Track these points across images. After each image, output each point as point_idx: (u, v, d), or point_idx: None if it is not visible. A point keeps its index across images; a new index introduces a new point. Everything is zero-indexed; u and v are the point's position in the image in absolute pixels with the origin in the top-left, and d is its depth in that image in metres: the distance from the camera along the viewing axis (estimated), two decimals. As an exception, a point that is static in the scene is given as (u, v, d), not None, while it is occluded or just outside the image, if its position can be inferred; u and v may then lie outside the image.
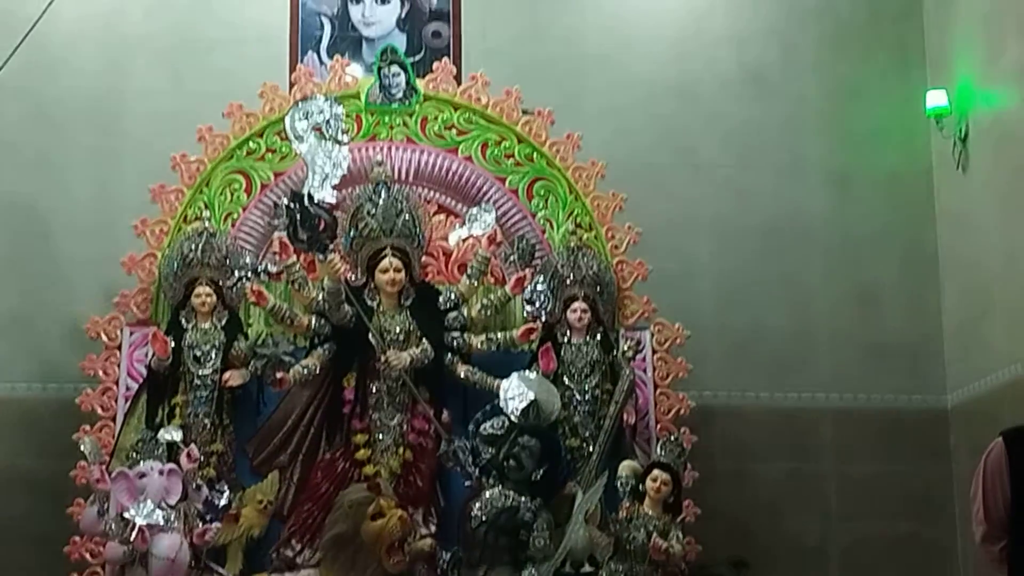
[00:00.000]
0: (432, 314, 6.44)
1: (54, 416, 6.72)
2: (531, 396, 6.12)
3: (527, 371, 6.30)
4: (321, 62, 7.44)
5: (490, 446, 6.09)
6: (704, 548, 6.39)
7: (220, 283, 6.37)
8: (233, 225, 6.62)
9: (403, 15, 7.68)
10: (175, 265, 6.37)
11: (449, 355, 6.42)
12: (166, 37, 7.49)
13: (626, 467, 6.17)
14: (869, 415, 7.49)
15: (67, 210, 7.21)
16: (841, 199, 7.76)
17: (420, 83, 6.87)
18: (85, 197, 7.23)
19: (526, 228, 6.74)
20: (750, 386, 7.44)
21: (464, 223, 6.60)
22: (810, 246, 7.68)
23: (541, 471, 6.08)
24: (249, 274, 6.38)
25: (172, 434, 6.00)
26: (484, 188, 6.76)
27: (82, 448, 6.04)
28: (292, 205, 6.18)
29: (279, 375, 6.20)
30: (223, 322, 6.37)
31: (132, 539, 5.68)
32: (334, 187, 6.23)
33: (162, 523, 5.73)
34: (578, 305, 6.47)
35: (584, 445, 6.29)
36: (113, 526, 5.76)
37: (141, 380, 6.34)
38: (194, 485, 5.95)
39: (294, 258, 6.33)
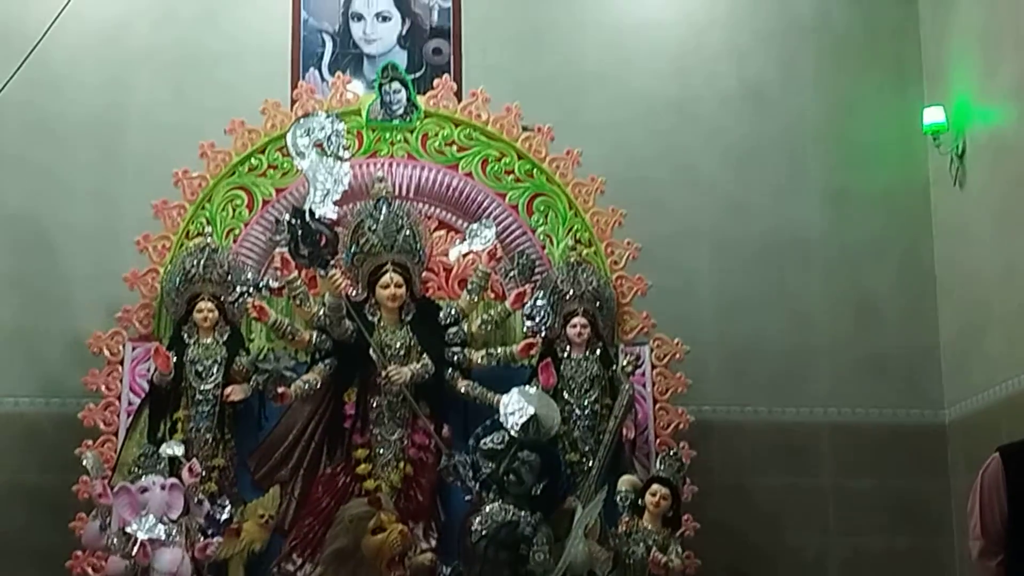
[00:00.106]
0: (433, 329, 6.47)
1: (56, 431, 6.75)
2: (531, 411, 6.13)
3: (527, 386, 6.31)
4: (323, 79, 7.48)
5: (490, 461, 6.10)
6: (703, 562, 6.39)
7: (222, 298, 6.39)
8: (235, 241, 6.65)
9: (404, 32, 7.72)
10: (177, 280, 6.40)
11: (449, 370, 6.44)
12: (169, 53, 7.53)
13: (625, 481, 6.20)
14: (867, 429, 7.51)
15: (70, 225, 7.24)
16: (839, 215, 7.79)
17: (421, 100, 6.90)
18: (88, 212, 7.27)
19: (526, 244, 6.76)
20: (749, 401, 7.47)
21: (464, 239, 6.63)
22: (808, 261, 7.71)
23: (541, 486, 6.09)
24: (251, 289, 6.41)
25: (174, 449, 6.02)
26: (484, 204, 6.79)
27: (84, 463, 6.05)
28: (294, 221, 6.22)
29: (280, 390, 6.22)
30: (225, 337, 6.39)
31: (134, 554, 5.69)
32: (335, 203, 6.28)
33: (164, 538, 5.75)
34: (578, 320, 6.49)
35: (584, 460, 6.31)
36: (115, 540, 5.77)
37: (143, 395, 6.36)
38: (196, 499, 5.95)
39: (295, 273, 6.36)
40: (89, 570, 6.14)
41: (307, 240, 6.20)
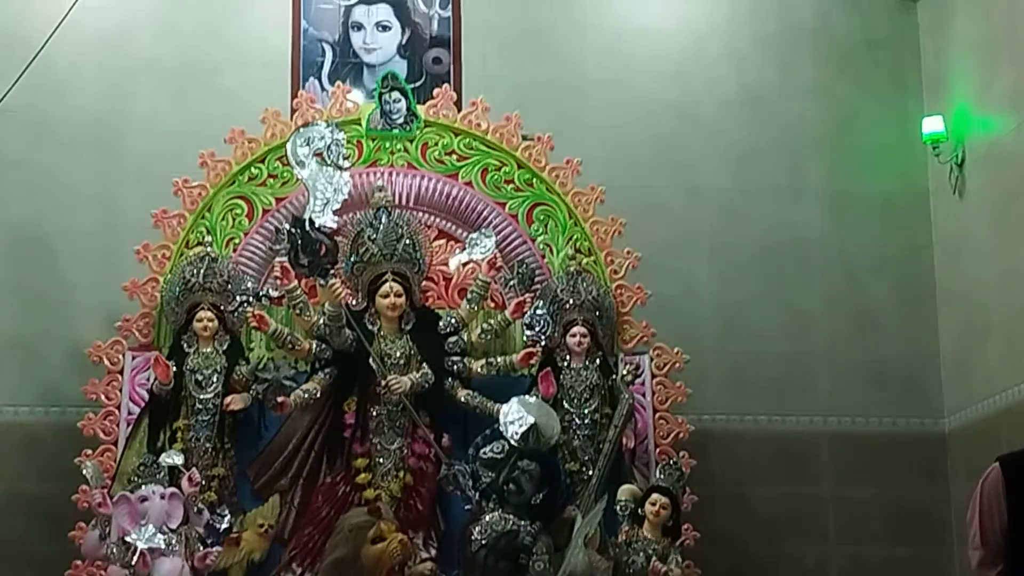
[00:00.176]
0: (432, 339, 6.48)
1: (56, 440, 6.75)
2: (531, 420, 6.14)
3: (527, 395, 6.33)
4: (323, 88, 7.49)
5: (490, 470, 6.12)
6: (703, 572, 6.38)
7: (222, 308, 6.39)
8: (235, 250, 6.65)
9: (404, 42, 7.73)
10: (177, 290, 6.40)
11: (449, 379, 6.45)
12: (169, 62, 7.53)
13: (625, 491, 6.20)
14: (867, 439, 7.53)
15: (70, 234, 7.24)
16: (839, 223, 7.81)
17: (421, 109, 6.91)
18: (88, 221, 7.27)
19: (526, 253, 6.77)
20: (749, 410, 7.48)
21: (464, 248, 6.64)
22: (808, 270, 7.73)
23: (541, 495, 6.10)
24: (250, 299, 6.42)
25: (174, 458, 6.02)
26: (484, 213, 6.80)
27: (84, 472, 6.06)
28: (293, 230, 6.22)
29: (280, 399, 6.23)
30: (225, 347, 6.39)
31: (133, 563, 5.68)
32: (335, 212, 6.28)
33: (163, 547, 5.75)
34: (577, 330, 6.50)
35: (583, 469, 6.31)
36: (115, 550, 5.78)
37: (143, 404, 6.36)
38: (195, 509, 5.96)
39: (295, 283, 6.37)
40: (89, 579, 6.15)
41: (307, 249, 6.20)
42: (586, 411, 6.42)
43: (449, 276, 6.73)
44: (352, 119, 6.85)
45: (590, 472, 6.27)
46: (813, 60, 8.02)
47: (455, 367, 6.46)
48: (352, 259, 6.46)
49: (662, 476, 6.20)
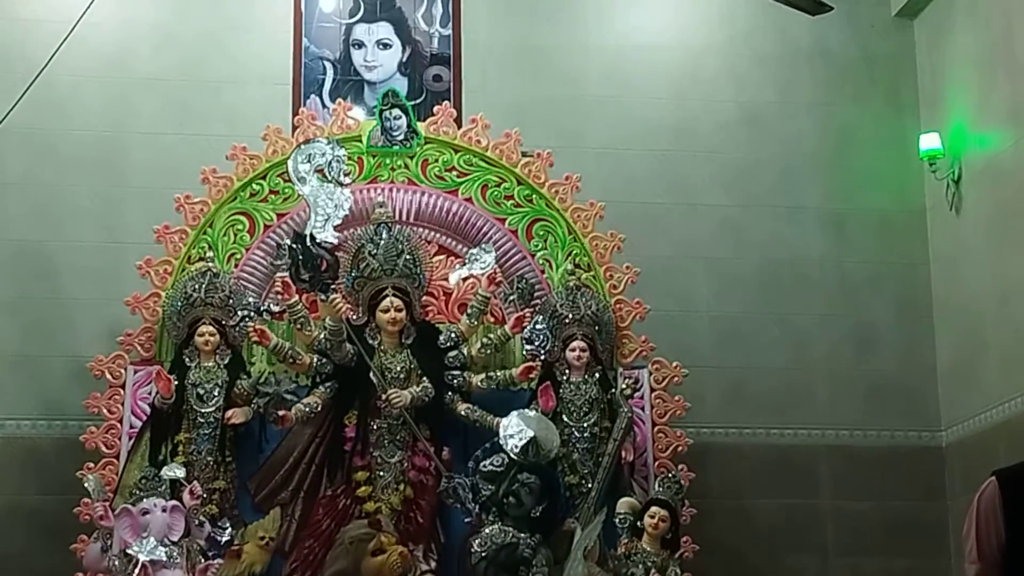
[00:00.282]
0: (432, 353, 6.50)
1: (58, 453, 6.79)
2: (530, 434, 6.17)
3: (526, 409, 6.35)
4: (324, 105, 7.53)
5: (490, 483, 6.14)
6: (702, 584, 6.44)
7: (223, 322, 6.42)
8: (236, 265, 6.67)
9: (404, 59, 7.78)
10: (179, 304, 6.43)
11: (449, 393, 6.47)
12: (171, 79, 7.57)
13: (624, 504, 6.23)
14: (865, 452, 7.56)
15: (72, 249, 7.28)
16: (837, 239, 7.86)
17: (421, 126, 6.95)
18: (90, 237, 7.31)
19: (526, 268, 6.80)
20: (747, 423, 7.51)
21: (464, 263, 6.67)
22: (806, 285, 7.77)
23: (540, 508, 6.12)
24: (252, 313, 6.44)
25: (175, 471, 6.04)
26: (484, 229, 6.83)
27: (86, 485, 6.08)
28: (294, 246, 6.26)
29: (281, 413, 6.25)
30: (226, 361, 6.42)
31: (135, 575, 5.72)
32: (336, 228, 6.32)
33: (165, 559, 5.76)
34: (577, 344, 6.53)
35: (583, 482, 6.34)
36: (116, 563, 5.79)
37: (145, 418, 6.38)
38: (197, 522, 5.98)
39: (296, 298, 6.40)
40: (90, 592, 6.16)
41: (308, 265, 6.24)
42: (585, 425, 6.45)
43: (449, 291, 6.76)
44: (353, 136, 6.88)
45: (589, 485, 6.29)
46: (810, 78, 8.07)
47: (455, 381, 6.49)
48: (353, 274, 6.50)
49: (661, 489, 6.23)
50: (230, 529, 6.14)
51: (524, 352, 6.56)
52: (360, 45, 7.79)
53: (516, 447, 6.15)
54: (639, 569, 6.01)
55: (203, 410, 6.30)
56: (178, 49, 7.65)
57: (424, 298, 6.64)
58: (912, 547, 7.39)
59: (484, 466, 6.18)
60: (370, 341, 6.45)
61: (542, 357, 6.51)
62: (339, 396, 6.43)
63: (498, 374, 6.53)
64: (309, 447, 6.41)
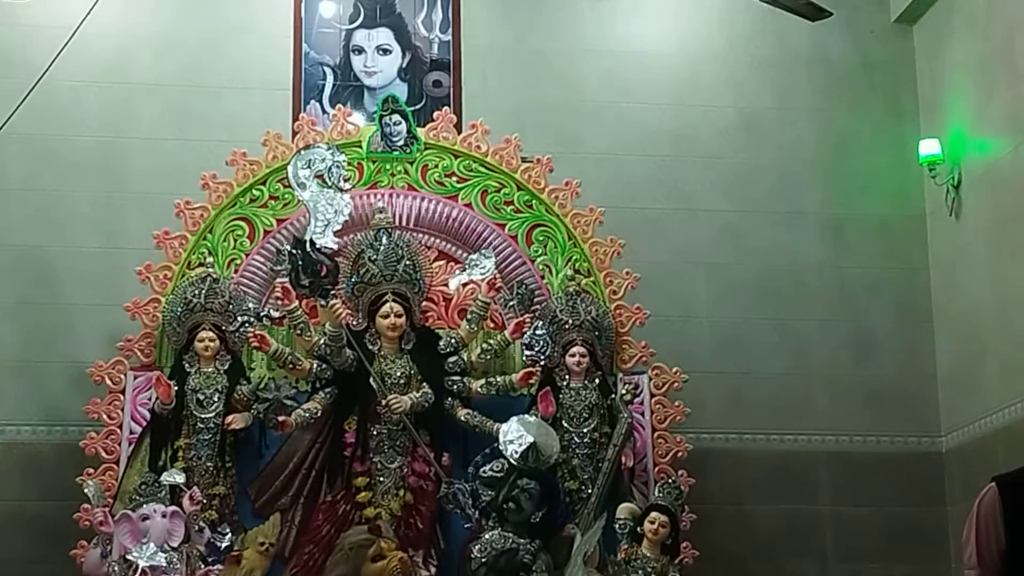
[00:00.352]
0: (432, 358, 6.51)
1: (58, 459, 6.80)
2: (530, 439, 6.17)
3: (526, 415, 6.35)
4: (324, 111, 7.54)
5: (490, 489, 6.14)
6: (702, 590, 6.44)
7: (223, 328, 6.43)
8: (236, 271, 6.68)
9: (404, 65, 7.79)
10: (179, 310, 6.44)
11: (449, 399, 6.47)
12: (171, 85, 7.58)
13: (624, 509, 6.22)
14: (865, 457, 7.56)
15: (72, 255, 7.29)
16: (836, 244, 7.86)
17: (421, 131, 6.94)
18: (90, 242, 7.32)
19: (525, 274, 6.80)
20: (747, 429, 7.51)
21: (464, 269, 6.68)
22: (806, 290, 7.77)
23: (540, 513, 6.12)
24: (252, 319, 6.45)
25: (175, 477, 6.05)
26: (484, 234, 6.84)
27: (86, 491, 6.08)
28: (294, 251, 6.27)
29: (281, 419, 6.25)
30: (226, 366, 6.42)
31: (135, 582, 5.73)
32: (336, 233, 6.33)
33: (164, 565, 5.78)
34: (577, 350, 6.53)
35: (583, 488, 6.34)
36: (116, 568, 5.81)
37: (144, 423, 6.38)
38: (196, 527, 5.98)
39: (296, 303, 6.40)
40: (90, 597, 6.16)
41: (308, 270, 6.24)
42: (585, 430, 6.45)
43: (449, 296, 6.76)
44: (353, 141, 6.89)
45: (589, 491, 6.29)
46: (809, 84, 8.08)
47: (455, 387, 6.49)
48: (353, 280, 6.50)
49: (661, 494, 6.22)
50: (230, 535, 6.15)
51: (524, 358, 6.57)
52: (360, 51, 7.80)
53: (516, 452, 6.15)
54: (639, 575, 6.01)
55: (203, 415, 6.30)
56: (178, 55, 7.65)
57: (424, 304, 6.65)
58: (912, 553, 7.38)
59: (484, 471, 6.18)
60: (370, 347, 6.45)
61: (542, 363, 6.51)
62: (339, 402, 6.43)
63: (498, 380, 6.53)
64: (309, 453, 6.41)
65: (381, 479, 6.30)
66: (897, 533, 7.42)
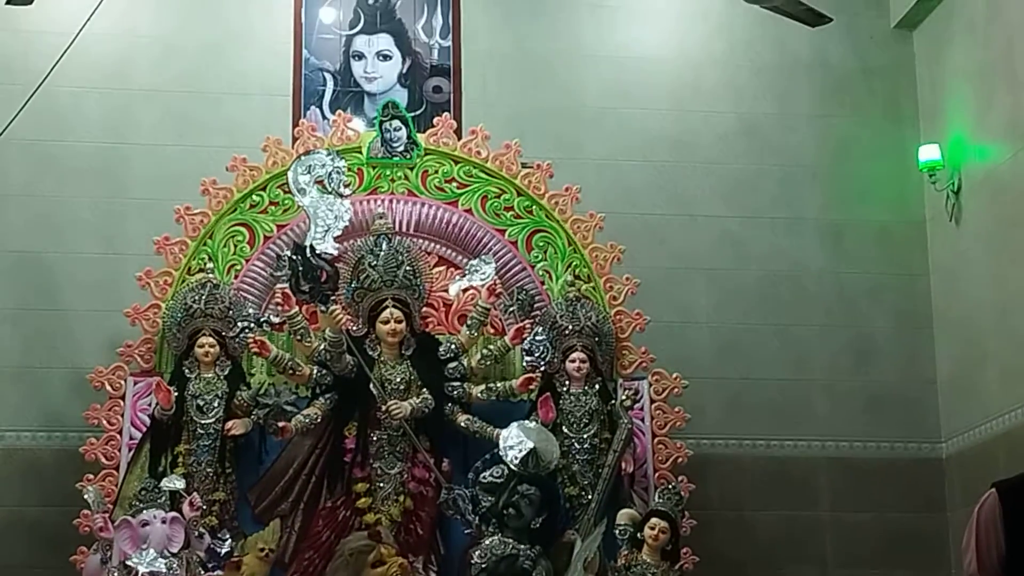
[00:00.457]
0: (432, 364, 6.51)
1: (58, 465, 6.80)
2: (530, 445, 6.17)
3: (526, 420, 6.36)
4: (324, 117, 7.54)
5: (490, 494, 6.14)
6: (702, 596, 6.44)
7: (223, 333, 6.43)
8: (236, 276, 6.68)
9: (404, 71, 7.79)
10: (179, 316, 6.44)
11: (449, 404, 6.48)
12: (171, 91, 7.58)
13: (624, 515, 6.23)
14: (865, 463, 7.56)
15: (72, 261, 7.29)
16: (836, 250, 7.87)
17: (421, 137, 6.96)
18: (90, 248, 7.32)
19: (525, 279, 6.80)
20: (747, 434, 7.52)
21: (464, 274, 6.68)
22: (805, 297, 7.77)
23: (540, 519, 6.13)
24: (252, 325, 6.45)
25: (175, 483, 6.04)
26: (484, 240, 6.84)
27: (86, 496, 6.09)
28: (294, 257, 6.27)
29: (281, 424, 6.25)
30: (226, 372, 6.42)
31: (135, 587, 5.73)
32: (336, 239, 6.33)
33: (164, 571, 5.77)
34: (577, 355, 6.53)
35: (583, 493, 6.34)
36: (116, 574, 5.80)
37: (144, 429, 6.38)
38: (196, 533, 5.98)
39: (296, 309, 6.40)
40: (90, 604, 6.15)
41: (308, 276, 6.25)
42: (585, 436, 6.45)
43: (449, 302, 6.76)
44: (353, 147, 6.89)
45: (589, 496, 6.30)
46: (809, 90, 8.09)
47: (455, 392, 6.49)
48: (353, 285, 6.51)
49: (661, 500, 6.23)
50: (230, 541, 6.14)
51: (524, 363, 6.57)
52: (360, 57, 7.81)
53: (516, 458, 6.15)
54: (639, 580, 6.02)
55: (203, 421, 6.30)
56: (178, 61, 7.66)
57: (424, 309, 6.65)
58: (912, 559, 7.38)
59: (484, 477, 6.19)
60: (370, 352, 6.46)
61: (542, 368, 6.52)
62: (339, 407, 6.44)
63: (498, 385, 6.53)
64: (309, 458, 6.42)
65: (381, 485, 6.31)
66: (897, 539, 7.42)
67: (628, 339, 6.76)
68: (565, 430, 6.45)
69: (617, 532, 6.18)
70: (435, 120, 7.11)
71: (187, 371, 6.41)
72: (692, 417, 6.77)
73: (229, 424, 6.28)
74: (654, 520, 6.12)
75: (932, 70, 7.96)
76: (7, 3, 6.33)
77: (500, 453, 6.20)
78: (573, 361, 6.53)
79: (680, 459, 6.63)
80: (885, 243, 7.89)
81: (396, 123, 6.92)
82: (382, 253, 6.52)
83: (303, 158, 6.46)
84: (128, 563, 5.77)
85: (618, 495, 6.34)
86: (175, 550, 5.85)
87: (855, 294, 7.81)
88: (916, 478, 7.55)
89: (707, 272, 7.72)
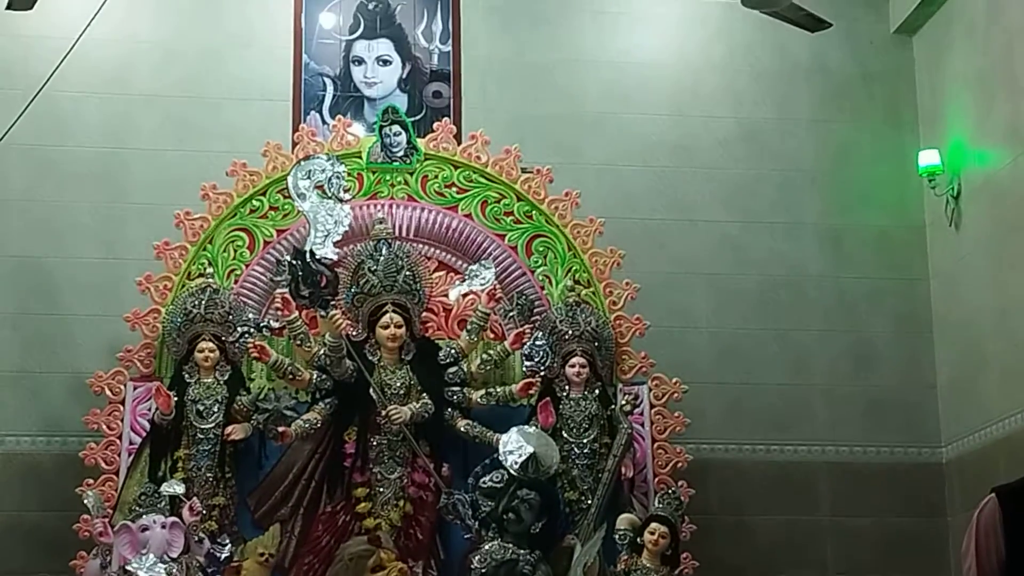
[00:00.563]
0: (432, 369, 6.51)
1: (58, 469, 6.80)
2: (530, 450, 6.17)
3: (526, 425, 6.36)
4: (324, 122, 7.53)
5: (489, 499, 6.14)
6: (702, 600, 6.43)
7: (223, 338, 6.43)
8: (236, 281, 6.68)
9: (404, 76, 7.80)
10: (178, 320, 6.44)
11: (449, 409, 6.48)
12: (171, 96, 7.58)
13: (624, 520, 6.22)
14: (865, 468, 7.56)
15: (72, 265, 7.28)
16: (836, 255, 7.86)
17: (421, 142, 6.95)
18: (90, 253, 7.32)
19: (525, 284, 6.80)
20: (747, 439, 7.51)
21: (464, 279, 6.69)
22: (805, 302, 7.77)
23: (540, 524, 6.12)
24: (251, 330, 6.46)
25: (175, 487, 6.05)
26: (484, 245, 6.84)
27: (85, 501, 6.09)
28: (294, 262, 6.29)
29: (281, 429, 6.25)
30: (226, 377, 6.42)
31: (135, 592, 5.73)
32: (336, 244, 6.36)
33: (164, 576, 5.79)
34: (576, 360, 6.53)
35: (582, 498, 6.34)
36: (116, 579, 5.82)
37: (144, 434, 6.38)
38: (196, 538, 5.98)
39: (296, 314, 6.40)
40: (90, 608, 6.15)
41: (308, 281, 6.26)
42: (585, 441, 6.45)
43: (449, 307, 6.76)
44: (353, 152, 6.90)
45: (589, 501, 6.29)
46: (809, 95, 8.09)
47: (455, 397, 6.49)
48: (352, 290, 6.50)
49: (661, 505, 6.22)
50: (229, 545, 6.15)
51: (524, 368, 6.57)
52: (360, 62, 7.81)
53: (516, 463, 6.15)
54: (639, 585, 6.02)
55: (203, 426, 6.30)
56: (178, 66, 7.66)
57: (424, 314, 6.65)
58: (912, 564, 7.38)
59: (484, 482, 6.19)
60: (370, 357, 6.46)
61: (542, 373, 6.52)
62: (339, 412, 6.43)
63: (498, 390, 6.53)
64: (309, 463, 6.41)
65: (381, 490, 6.30)
66: (897, 544, 7.41)
67: (628, 344, 6.76)
68: (565, 435, 6.45)
69: (617, 537, 6.18)
70: (435, 125, 7.11)
71: (187, 376, 6.41)
72: (692, 422, 6.77)
73: (229, 429, 6.28)
74: (654, 525, 6.12)
75: (932, 75, 7.96)
76: (7, 8, 6.32)
77: (500, 458, 6.20)
78: (573, 366, 6.53)
79: (680, 464, 6.63)
80: (885, 248, 7.89)
81: (396, 128, 6.92)
82: (382, 258, 6.52)
83: (303, 163, 6.48)
84: (128, 568, 5.77)
85: (618, 500, 6.34)
86: (175, 555, 5.85)
87: (855, 299, 7.81)
88: (916, 483, 7.55)
89: (707, 277, 7.71)
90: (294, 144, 7.00)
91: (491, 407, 6.52)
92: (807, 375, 7.66)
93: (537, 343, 6.52)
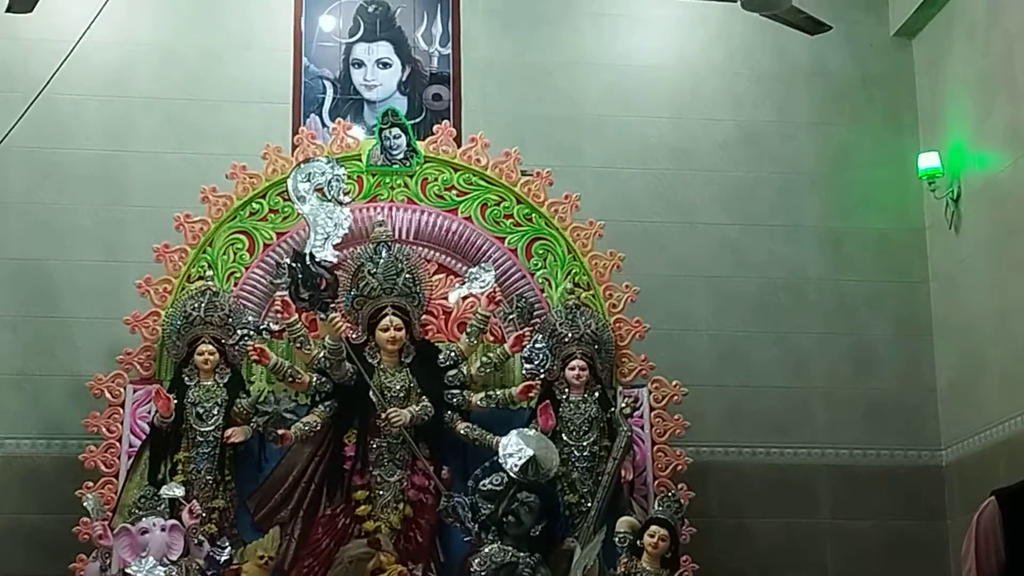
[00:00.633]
0: (432, 372, 6.51)
1: (57, 472, 6.79)
2: (530, 452, 6.17)
3: (526, 428, 6.35)
4: (323, 124, 7.54)
5: (489, 502, 6.14)
6: (702, 603, 6.42)
7: (223, 341, 6.43)
8: (236, 284, 6.68)
9: (404, 78, 7.80)
10: (178, 323, 6.44)
11: (449, 412, 6.47)
12: (171, 98, 7.59)
13: (624, 523, 6.22)
14: (865, 471, 7.56)
15: (72, 268, 7.29)
16: (836, 258, 7.87)
17: (421, 145, 6.95)
18: (90, 255, 7.32)
19: (525, 287, 6.80)
20: (747, 442, 7.52)
21: (464, 282, 6.68)
22: (805, 304, 7.77)
23: (540, 527, 6.12)
24: (251, 332, 6.45)
25: (174, 490, 6.05)
26: (483, 248, 6.84)
27: (85, 504, 6.09)
28: (294, 264, 6.28)
29: (280, 432, 6.25)
30: (225, 380, 6.42)
31: (134, 595, 5.73)
32: (335, 247, 6.35)
33: (164, 579, 5.79)
34: (576, 363, 6.53)
35: (582, 501, 6.33)
36: (115, 582, 5.82)
37: (144, 437, 6.38)
38: (196, 541, 5.98)
39: (296, 317, 6.40)
40: (89, 611, 6.15)
41: (307, 283, 6.25)
42: (585, 443, 6.44)
43: (449, 310, 6.76)
44: (352, 155, 6.89)
45: (589, 504, 6.29)
46: (809, 97, 8.09)
47: (455, 400, 6.49)
48: (352, 293, 6.50)
49: (661, 508, 6.22)
50: (229, 548, 6.15)
51: (523, 371, 6.57)
52: (360, 64, 7.81)
53: (515, 466, 6.15)
54: (639, 588, 6.02)
55: (202, 429, 6.30)
56: (178, 68, 7.67)
57: (424, 317, 6.65)
58: (912, 567, 7.37)
59: (483, 485, 6.18)
60: (369, 360, 6.46)
61: (541, 376, 6.52)
62: (338, 415, 6.43)
63: (497, 393, 6.53)
64: (308, 466, 6.41)
65: (381, 492, 6.30)
66: (897, 547, 7.41)
67: (628, 347, 6.76)
68: (565, 438, 6.45)
69: (617, 540, 6.17)
70: (435, 128, 7.11)
71: (186, 379, 6.41)
72: (692, 425, 6.76)
73: (228, 432, 6.27)
74: (654, 528, 6.12)
75: (931, 78, 7.96)
76: (7, 10, 6.32)
77: (500, 461, 6.19)
78: (572, 369, 6.53)
79: (680, 467, 6.62)
80: (885, 251, 7.89)
81: (396, 131, 6.92)
82: (382, 261, 6.52)
83: (303, 166, 6.48)
84: (127, 571, 5.78)
85: (618, 503, 6.34)
86: (174, 558, 5.85)
87: (855, 302, 7.81)
88: (916, 486, 7.55)
89: (707, 280, 7.72)
90: (294, 147, 7.01)
91: (491, 410, 6.51)
92: (807, 378, 7.66)
93: (537, 346, 6.52)
